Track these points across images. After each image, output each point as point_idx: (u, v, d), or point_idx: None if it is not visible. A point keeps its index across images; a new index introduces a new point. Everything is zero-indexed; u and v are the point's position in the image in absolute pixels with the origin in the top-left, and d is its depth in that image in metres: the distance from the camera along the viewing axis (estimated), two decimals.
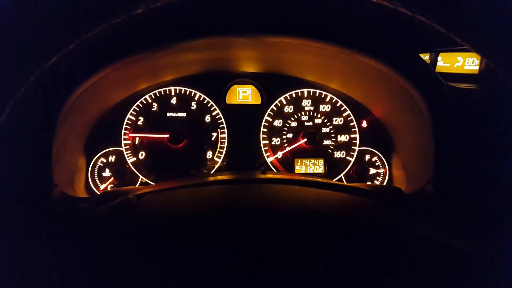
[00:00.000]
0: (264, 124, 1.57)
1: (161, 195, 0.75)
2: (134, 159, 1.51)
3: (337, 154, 1.58)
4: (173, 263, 0.51)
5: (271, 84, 1.58)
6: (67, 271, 0.50)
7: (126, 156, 1.50)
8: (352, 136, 1.57)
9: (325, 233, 0.55)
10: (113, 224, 0.59)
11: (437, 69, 1.47)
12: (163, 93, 1.53)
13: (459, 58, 1.46)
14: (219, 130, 1.56)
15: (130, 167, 1.50)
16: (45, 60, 0.45)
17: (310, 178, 0.93)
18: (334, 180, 1.54)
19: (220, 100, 1.56)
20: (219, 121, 1.56)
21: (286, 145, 1.57)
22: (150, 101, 1.53)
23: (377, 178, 1.57)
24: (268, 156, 1.57)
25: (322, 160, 1.58)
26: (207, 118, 1.56)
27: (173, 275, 0.50)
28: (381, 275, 0.51)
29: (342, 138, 1.58)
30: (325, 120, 1.58)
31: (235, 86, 1.58)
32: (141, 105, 1.52)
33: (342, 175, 1.57)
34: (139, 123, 1.53)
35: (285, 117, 1.58)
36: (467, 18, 0.48)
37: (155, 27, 1.02)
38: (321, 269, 0.51)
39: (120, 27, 0.50)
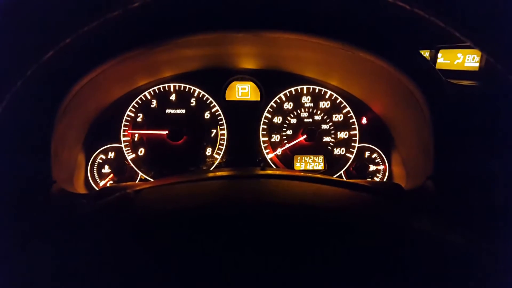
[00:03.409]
0: (263, 121, 1.57)
1: (159, 190, 0.75)
2: (134, 155, 1.51)
3: (337, 151, 1.58)
4: (170, 257, 0.51)
5: (270, 80, 1.57)
6: (64, 265, 0.50)
7: (125, 152, 1.50)
8: (352, 132, 1.57)
9: (324, 228, 0.55)
10: (111, 217, 0.58)
11: (437, 66, 1.46)
12: (162, 90, 1.53)
13: (459, 55, 1.45)
14: (218, 126, 1.56)
15: (129, 164, 1.50)
16: (42, 53, 0.45)
17: (309, 174, 0.93)
18: (334, 177, 1.54)
19: (219, 96, 1.56)
20: (218, 118, 1.56)
21: (285, 141, 1.57)
22: (149, 97, 1.53)
23: (377, 174, 1.56)
24: (267, 153, 1.56)
25: (321, 157, 1.58)
26: (207, 115, 1.56)
27: (170, 268, 0.50)
28: (380, 269, 0.51)
29: (342, 134, 1.57)
30: (325, 117, 1.57)
31: (234, 82, 1.58)
32: (140, 102, 1.52)
33: (342, 172, 1.57)
34: (139, 119, 1.52)
35: (285, 113, 1.58)
36: (467, 12, 0.47)
37: (153, 23, 1.01)
38: (320, 264, 0.51)
39: (117, 21, 0.49)
